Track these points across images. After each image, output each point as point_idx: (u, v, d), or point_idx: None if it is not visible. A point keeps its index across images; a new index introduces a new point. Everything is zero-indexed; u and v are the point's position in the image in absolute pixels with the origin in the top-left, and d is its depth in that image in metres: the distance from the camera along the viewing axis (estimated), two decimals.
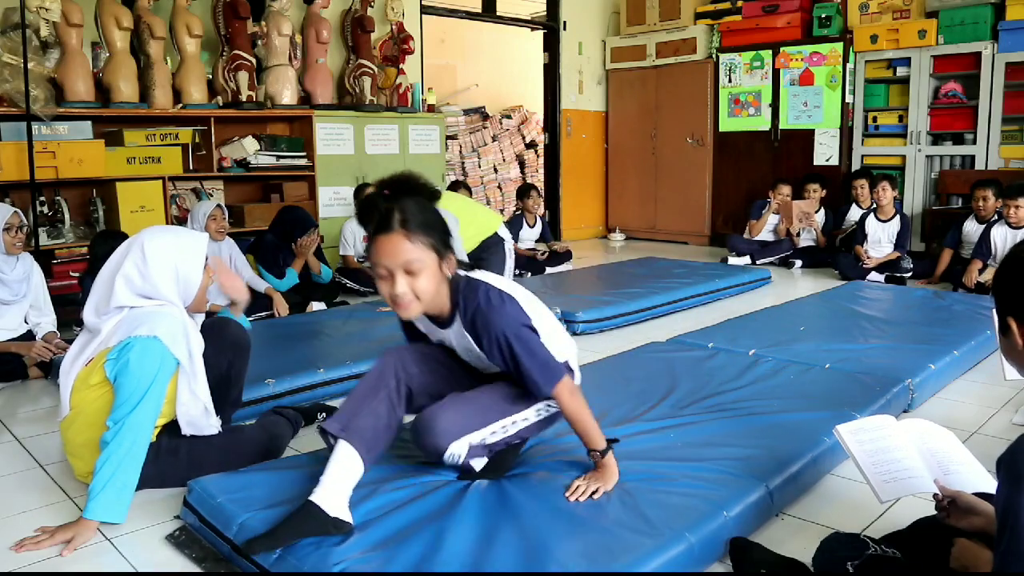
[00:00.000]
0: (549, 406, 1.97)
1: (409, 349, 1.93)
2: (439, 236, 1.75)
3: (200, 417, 2.16)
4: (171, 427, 2.19)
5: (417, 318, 1.87)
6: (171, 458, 2.16)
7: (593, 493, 1.87)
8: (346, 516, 1.73)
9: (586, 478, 1.92)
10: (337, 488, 1.73)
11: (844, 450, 1.82)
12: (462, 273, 1.87)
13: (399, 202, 1.72)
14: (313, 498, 1.71)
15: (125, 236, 3.95)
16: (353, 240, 5.24)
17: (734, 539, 1.80)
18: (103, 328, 2.10)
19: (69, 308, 3.93)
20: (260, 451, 2.32)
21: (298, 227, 4.59)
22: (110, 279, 2.13)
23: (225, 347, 2.32)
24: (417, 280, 1.72)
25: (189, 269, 2.19)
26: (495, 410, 1.90)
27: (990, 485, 1.64)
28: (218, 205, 4.37)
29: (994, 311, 1.34)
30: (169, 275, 2.15)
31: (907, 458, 1.72)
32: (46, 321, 3.55)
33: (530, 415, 1.97)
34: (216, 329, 2.33)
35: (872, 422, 1.84)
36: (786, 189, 6.40)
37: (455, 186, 5.82)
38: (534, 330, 1.84)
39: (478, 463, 1.95)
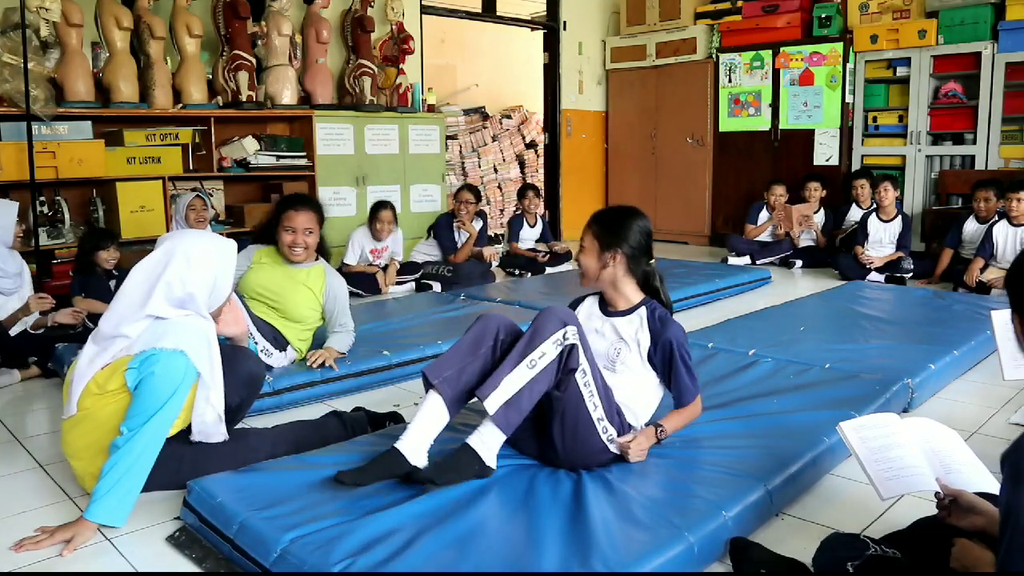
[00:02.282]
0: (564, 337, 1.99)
1: (508, 319, 2.13)
2: (609, 237, 2.20)
3: (212, 425, 2.14)
4: (177, 438, 2.16)
5: (589, 289, 2.32)
6: (175, 465, 2.14)
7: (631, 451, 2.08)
8: (423, 464, 1.97)
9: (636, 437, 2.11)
10: (421, 438, 1.99)
11: (847, 447, 1.81)
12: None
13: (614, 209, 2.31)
14: (398, 445, 1.98)
15: (111, 233, 4.01)
16: (360, 251, 5.24)
17: (734, 539, 1.80)
18: (128, 334, 2.04)
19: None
20: (265, 458, 2.28)
21: None
22: (148, 284, 2.07)
23: (241, 383, 2.27)
24: (581, 256, 2.25)
25: (224, 279, 2.17)
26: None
27: (993, 485, 1.64)
28: (197, 195, 4.37)
29: (993, 313, 1.33)
30: (208, 284, 2.12)
31: (909, 456, 1.71)
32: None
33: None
34: (234, 362, 2.25)
35: (875, 419, 1.83)
36: (780, 189, 6.40)
37: (462, 188, 5.80)
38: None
39: (496, 440, 1.98)
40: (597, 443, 2.06)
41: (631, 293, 2.24)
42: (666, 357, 2.15)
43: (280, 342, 3.08)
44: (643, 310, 2.21)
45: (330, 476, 2.02)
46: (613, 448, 2.09)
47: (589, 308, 2.33)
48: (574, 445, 2.05)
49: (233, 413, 2.30)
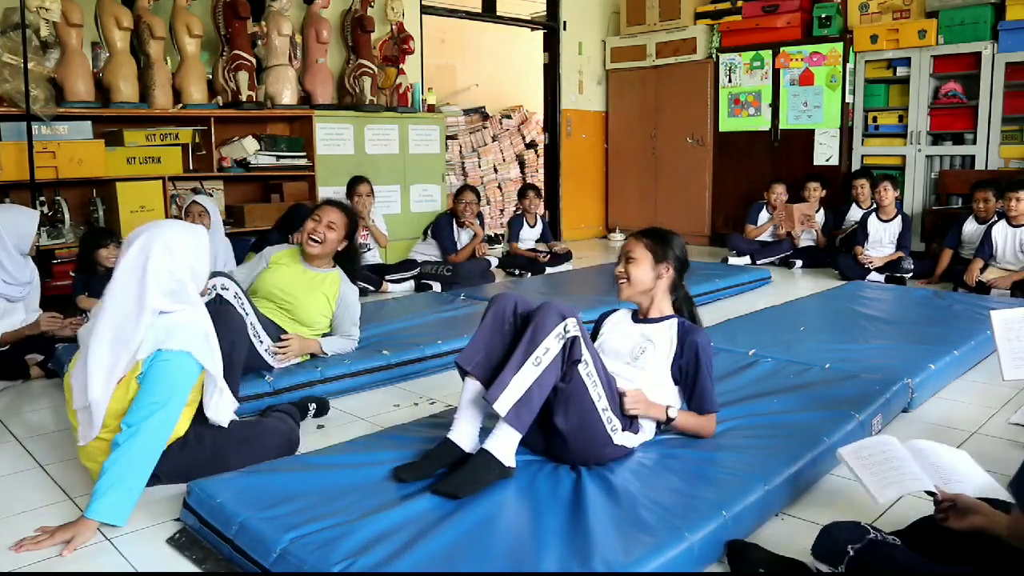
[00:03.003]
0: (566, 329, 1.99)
1: (522, 295, 2.21)
2: (662, 249, 2.31)
3: (222, 409, 2.17)
4: (197, 420, 2.19)
5: (627, 300, 2.36)
6: (197, 449, 2.16)
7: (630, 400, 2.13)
8: (475, 449, 2.04)
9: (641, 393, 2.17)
10: (469, 425, 2.09)
11: (847, 469, 1.84)
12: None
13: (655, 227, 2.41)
14: (450, 436, 2.08)
15: (111, 232, 4.01)
16: None
17: (730, 541, 1.80)
18: (132, 339, 2.01)
19: (70, 308, 3.94)
20: (283, 442, 2.35)
21: (296, 223, 4.58)
22: (135, 280, 2.04)
23: (227, 331, 2.34)
24: (631, 267, 2.30)
25: (201, 264, 2.18)
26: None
27: (995, 490, 1.64)
28: (193, 200, 4.37)
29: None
30: (189, 270, 2.13)
31: (907, 467, 1.73)
32: (33, 317, 3.58)
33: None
34: (216, 315, 2.30)
35: (874, 440, 1.86)
36: (780, 188, 6.40)
37: (464, 189, 5.80)
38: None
39: (511, 440, 1.98)
40: (602, 434, 2.07)
41: (665, 307, 2.36)
42: (691, 360, 2.23)
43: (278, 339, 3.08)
44: (674, 320, 2.32)
45: (328, 477, 2.04)
46: (617, 439, 2.09)
47: (620, 316, 2.43)
48: (580, 437, 2.06)
49: (226, 371, 2.28)
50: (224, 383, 2.18)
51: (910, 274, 5.45)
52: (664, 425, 2.25)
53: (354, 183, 5.30)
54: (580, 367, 2.00)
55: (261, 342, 2.94)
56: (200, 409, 2.19)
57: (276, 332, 3.07)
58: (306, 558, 1.66)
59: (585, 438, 2.06)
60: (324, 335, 3.24)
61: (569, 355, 1.98)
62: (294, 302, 3.15)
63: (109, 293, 2.07)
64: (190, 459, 2.15)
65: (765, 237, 6.44)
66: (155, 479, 2.13)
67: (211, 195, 5.18)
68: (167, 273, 2.07)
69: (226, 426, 2.22)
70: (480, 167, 8.30)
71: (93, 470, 2.13)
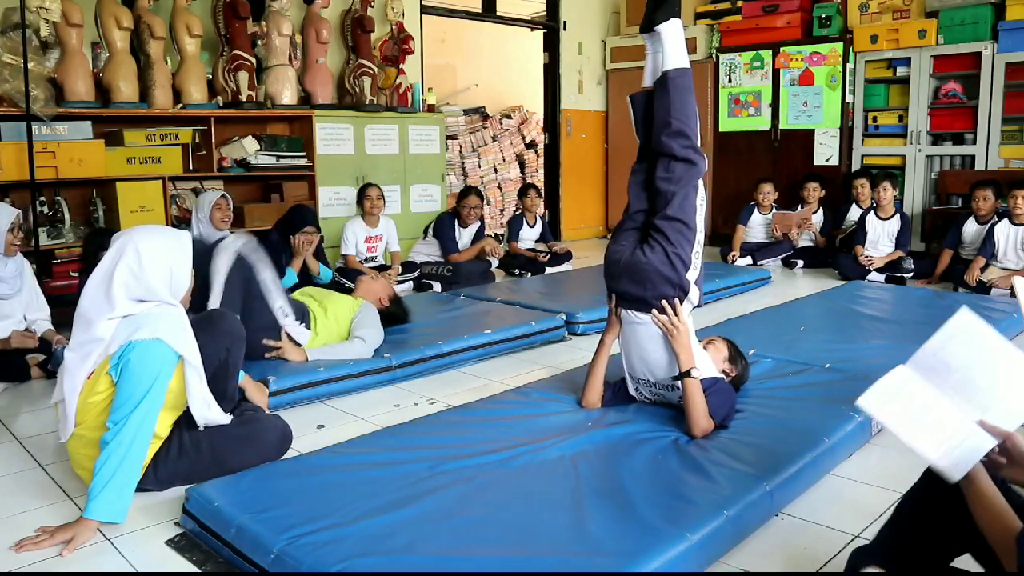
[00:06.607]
0: None
1: None
2: (732, 359, 2.69)
3: (203, 409, 2.15)
4: (189, 423, 2.17)
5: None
6: (194, 453, 2.16)
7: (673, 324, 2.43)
8: None
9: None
10: None
11: (872, 425, 1.69)
12: None
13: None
14: None
15: (113, 232, 3.99)
16: (355, 240, 5.24)
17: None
18: (102, 336, 2.04)
19: (70, 308, 3.93)
20: (281, 436, 2.34)
21: (295, 225, 4.57)
22: (104, 285, 2.08)
23: (222, 336, 2.29)
24: (713, 348, 2.68)
25: (180, 271, 2.17)
26: None
27: None
28: (223, 195, 4.37)
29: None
30: (164, 276, 2.12)
31: (945, 416, 1.45)
32: (41, 317, 3.56)
33: None
34: (212, 321, 2.30)
35: (889, 384, 1.57)
36: (767, 187, 6.40)
37: (469, 193, 5.79)
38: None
39: None
40: (680, 260, 2.42)
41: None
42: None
43: (303, 317, 3.24)
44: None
45: (327, 478, 2.04)
46: (683, 275, 2.42)
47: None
48: (667, 236, 2.40)
49: (222, 376, 2.28)
50: (203, 384, 2.13)
51: (910, 274, 5.45)
52: (675, 379, 2.39)
53: (364, 188, 5.32)
54: (698, 196, 2.43)
55: (275, 300, 3.10)
56: (190, 414, 2.16)
57: (300, 308, 3.26)
58: (303, 559, 1.66)
59: (672, 240, 2.39)
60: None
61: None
62: (323, 299, 3.45)
63: (83, 295, 2.10)
64: (190, 466, 2.15)
65: (763, 238, 6.44)
66: (157, 487, 2.15)
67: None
68: (135, 279, 2.08)
69: (213, 425, 2.18)
70: (480, 167, 8.30)
71: (84, 478, 2.14)
